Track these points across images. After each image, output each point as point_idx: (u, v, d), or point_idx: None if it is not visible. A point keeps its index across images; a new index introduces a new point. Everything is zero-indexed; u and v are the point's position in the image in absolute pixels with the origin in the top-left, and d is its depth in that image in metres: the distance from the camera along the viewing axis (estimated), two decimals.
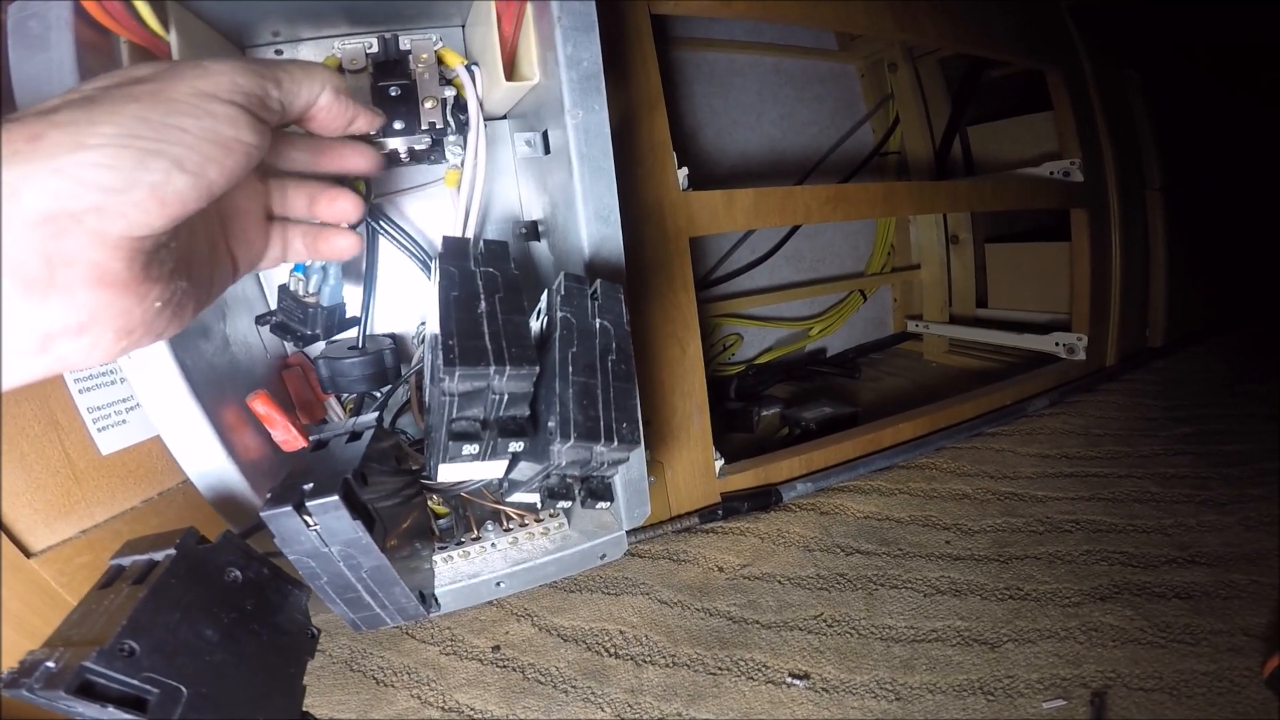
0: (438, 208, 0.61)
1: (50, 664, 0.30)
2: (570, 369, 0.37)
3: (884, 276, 1.46)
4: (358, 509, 0.36)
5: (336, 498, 0.34)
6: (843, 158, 1.37)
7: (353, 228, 0.43)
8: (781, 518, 0.84)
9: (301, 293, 0.51)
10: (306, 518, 0.35)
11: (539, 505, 0.52)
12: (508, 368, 0.33)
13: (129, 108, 0.25)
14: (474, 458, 0.38)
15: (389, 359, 0.55)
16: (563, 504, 0.39)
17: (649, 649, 0.64)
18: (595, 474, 0.40)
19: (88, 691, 0.30)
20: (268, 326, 0.53)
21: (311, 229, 0.41)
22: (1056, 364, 1.18)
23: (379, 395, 0.56)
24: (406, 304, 0.61)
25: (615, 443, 0.36)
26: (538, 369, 0.35)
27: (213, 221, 0.34)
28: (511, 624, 0.68)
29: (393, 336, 0.60)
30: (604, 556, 0.56)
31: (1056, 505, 0.81)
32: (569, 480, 0.40)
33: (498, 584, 0.53)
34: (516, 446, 0.37)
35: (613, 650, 0.65)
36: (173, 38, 0.40)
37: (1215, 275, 1.37)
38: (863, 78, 1.42)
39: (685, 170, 0.77)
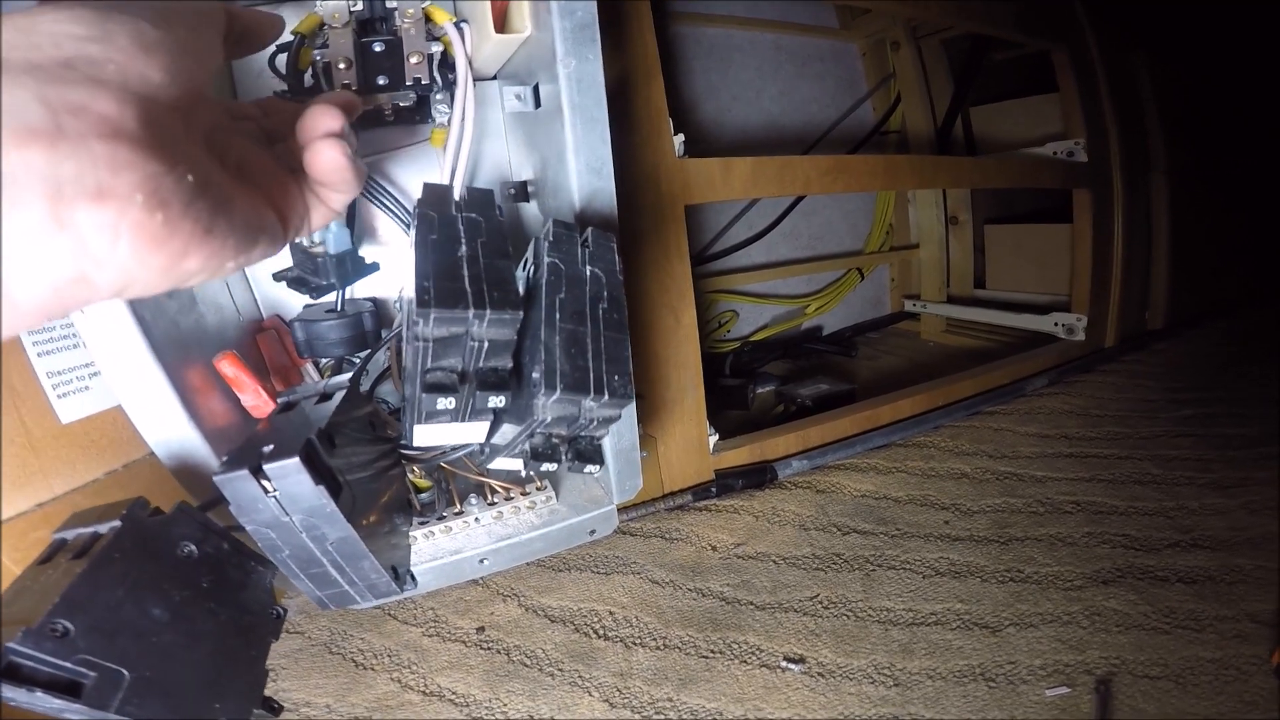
0: (423, 169, 0.57)
1: None
2: (557, 316, 0.33)
3: (882, 255, 1.42)
4: (321, 473, 0.32)
5: (297, 459, 0.31)
6: (843, 135, 1.33)
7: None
8: (777, 495, 0.81)
9: (306, 244, 0.49)
10: (265, 482, 0.31)
11: (523, 473, 0.49)
12: (488, 312, 0.30)
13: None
14: (451, 414, 0.35)
15: (368, 322, 0.52)
16: (547, 466, 0.36)
17: (639, 630, 0.61)
18: (584, 433, 0.36)
19: (13, 674, 0.27)
20: (285, 283, 0.51)
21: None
22: (1056, 344, 1.15)
23: (358, 360, 0.53)
24: (389, 268, 0.57)
25: (606, 396, 0.33)
26: (521, 314, 0.32)
27: (240, 160, 0.30)
28: (497, 604, 0.65)
29: (373, 300, 0.56)
30: (593, 532, 0.53)
31: (1056, 486, 0.78)
32: (554, 440, 0.36)
33: (481, 561, 0.49)
34: (497, 401, 0.34)
35: (602, 632, 0.62)
36: None
37: (1218, 258, 1.34)
38: (864, 56, 1.37)
39: (681, 137, 0.73)
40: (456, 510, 0.51)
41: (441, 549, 0.49)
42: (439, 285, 0.30)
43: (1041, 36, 1.10)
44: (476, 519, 0.51)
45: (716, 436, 0.82)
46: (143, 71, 0.23)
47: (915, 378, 1.04)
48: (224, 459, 0.32)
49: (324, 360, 0.54)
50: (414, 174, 0.57)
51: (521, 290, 0.39)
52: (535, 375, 0.32)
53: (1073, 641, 0.56)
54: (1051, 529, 0.70)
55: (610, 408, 0.33)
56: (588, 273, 0.36)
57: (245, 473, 0.31)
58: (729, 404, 1.08)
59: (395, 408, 0.53)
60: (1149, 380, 1.05)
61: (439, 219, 0.35)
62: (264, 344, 0.53)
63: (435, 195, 0.37)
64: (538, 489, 0.53)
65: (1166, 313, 1.24)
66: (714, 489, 0.81)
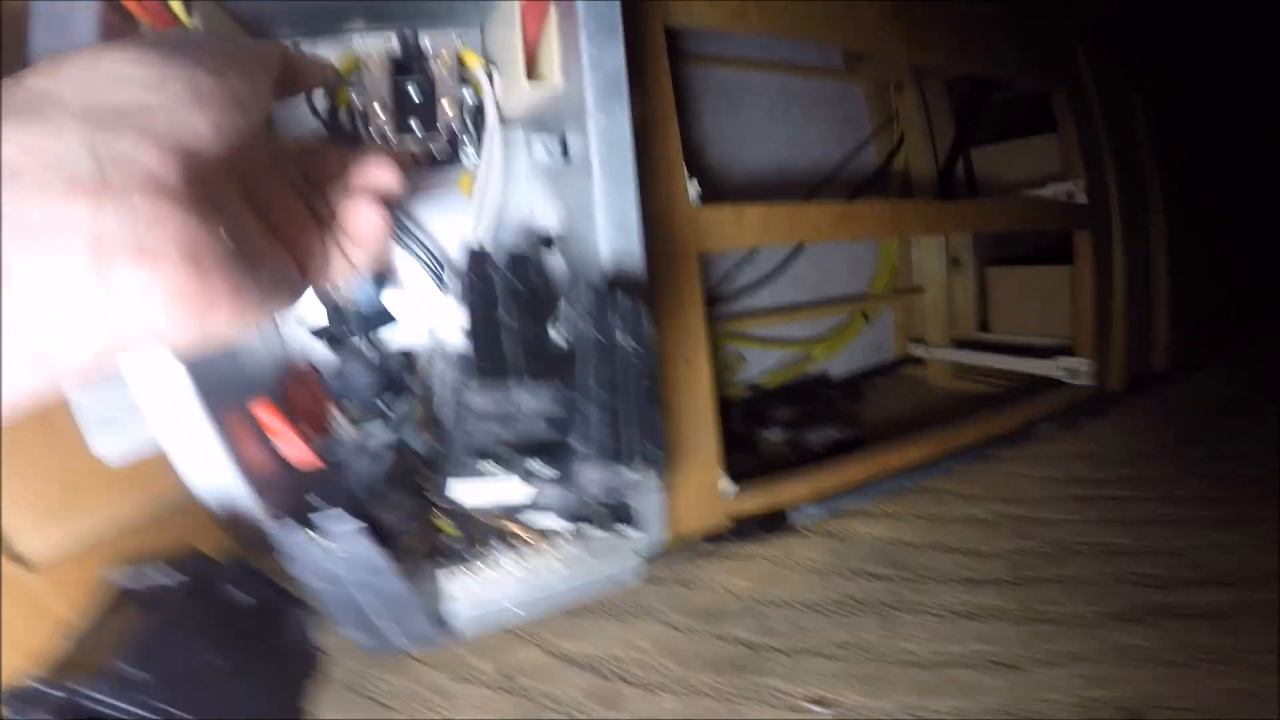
0: (450, 212, 0.61)
1: (52, 691, 0.30)
2: (593, 385, 0.37)
3: (886, 298, 1.48)
4: (375, 532, 0.36)
5: (352, 518, 0.35)
6: (849, 177, 1.40)
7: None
8: (791, 542, 0.85)
9: (340, 301, 0.53)
10: (322, 539, 0.35)
11: (554, 527, 0.53)
12: (531, 384, 0.34)
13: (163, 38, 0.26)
14: (493, 475, 0.38)
15: (398, 370, 0.56)
16: (584, 526, 0.40)
17: (663, 675, 0.65)
18: (618, 495, 0.40)
19: None
20: (323, 340, 0.55)
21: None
22: (1062, 388, 1.20)
23: (383, 405, 0.57)
24: (417, 312, 0.61)
25: (641, 462, 0.36)
26: (561, 385, 0.36)
27: (274, 209, 0.32)
28: (519, 649, 0.68)
29: (405, 351, 0.60)
30: (619, 582, 0.57)
31: (1069, 528, 0.83)
32: (591, 502, 0.40)
33: (510, 609, 0.53)
34: (537, 465, 0.37)
35: (625, 677, 0.65)
36: (195, 24, 0.41)
37: (1219, 297, 1.41)
38: (868, 98, 1.46)
39: (696, 183, 0.78)
40: (483, 557, 0.54)
41: (474, 596, 0.53)
42: (487, 357, 0.34)
43: (1042, 79, 1.17)
44: (504, 566, 0.54)
45: (731, 484, 0.86)
46: (193, 123, 0.24)
47: (923, 423, 1.08)
48: (279, 514, 0.36)
49: (350, 404, 0.58)
50: (440, 216, 0.61)
51: (554, 339, 0.43)
52: (574, 443, 0.35)
53: (1098, 678, 0.60)
54: (1067, 570, 0.75)
55: (644, 473, 0.37)
56: (620, 342, 0.40)
57: (304, 530, 0.35)
58: (736, 449, 1.12)
59: (423, 454, 0.57)
60: (1156, 422, 1.11)
61: (483, 287, 0.38)
62: (294, 387, 0.57)
63: (479, 261, 0.40)
64: (565, 539, 0.57)
65: (1171, 353, 1.31)
66: (729, 535, 0.85)
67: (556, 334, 0.43)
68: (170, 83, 0.24)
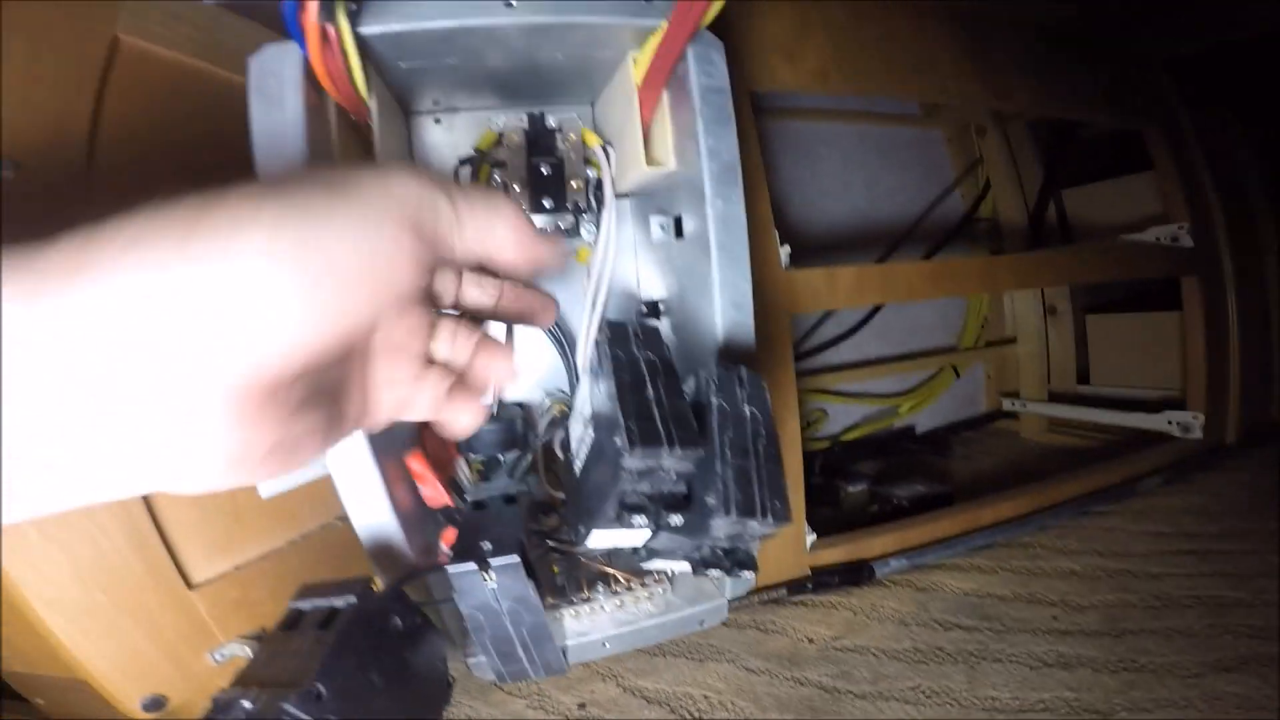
0: (566, 281, 0.68)
1: (246, 703, 0.36)
2: (728, 452, 0.43)
3: (977, 351, 1.50)
4: (530, 569, 0.44)
5: (517, 558, 0.43)
6: (933, 225, 1.45)
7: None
8: (875, 593, 0.88)
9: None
10: (487, 574, 0.43)
11: (677, 570, 0.59)
12: (678, 449, 0.40)
13: (286, 213, 0.24)
14: (639, 527, 0.44)
15: (519, 426, 0.64)
16: (714, 573, 0.45)
17: (736, 715, 0.68)
18: (742, 545, 0.46)
19: None
20: None
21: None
22: (1170, 442, 1.20)
23: (502, 459, 0.63)
24: (533, 374, 0.70)
25: (770, 519, 0.42)
26: (702, 451, 0.42)
27: (358, 354, 0.31)
28: (597, 683, 0.73)
29: (520, 405, 0.68)
30: (703, 623, 0.62)
31: (1173, 581, 0.83)
32: (719, 551, 0.46)
33: (604, 644, 0.60)
34: (677, 520, 0.43)
35: (698, 714, 0.69)
36: (372, 102, 0.52)
37: None
38: (949, 142, 1.51)
39: (787, 248, 0.85)
40: (585, 596, 0.62)
41: (571, 631, 0.60)
42: (641, 426, 0.40)
43: (1131, 117, 1.20)
44: (601, 605, 0.61)
45: (814, 535, 0.90)
46: (272, 352, 0.24)
47: (1015, 479, 1.10)
48: (452, 552, 0.44)
49: (475, 456, 0.64)
50: (557, 285, 0.68)
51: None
52: (712, 501, 0.41)
53: None
54: (1168, 622, 0.75)
55: (771, 526, 0.42)
56: (747, 412, 0.46)
57: (474, 566, 0.43)
58: (818, 502, 1.15)
59: (541, 502, 0.64)
60: (1271, 475, 1.09)
61: (626, 359, 0.45)
62: (427, 438, 0.64)
63: (619, 334, 0.47)
64: (655, 580, 0.63)
65: None
66: (809, 584, 0.88)
67: (687, 401, 0.50)
68: (289, 262, 0.24)
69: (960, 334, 1.50)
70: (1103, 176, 1.39)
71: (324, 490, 0.63)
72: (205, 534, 0.61)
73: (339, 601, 0.43)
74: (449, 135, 0.66)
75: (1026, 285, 1.39)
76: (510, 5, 0.49)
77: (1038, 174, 1.44)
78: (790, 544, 0.88)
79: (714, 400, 0.45)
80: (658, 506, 0.43)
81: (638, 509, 0.42)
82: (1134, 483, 1.10)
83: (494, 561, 0.42)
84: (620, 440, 0.39)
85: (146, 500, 0.57)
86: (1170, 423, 1.21)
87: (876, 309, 1.36)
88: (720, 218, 0.54)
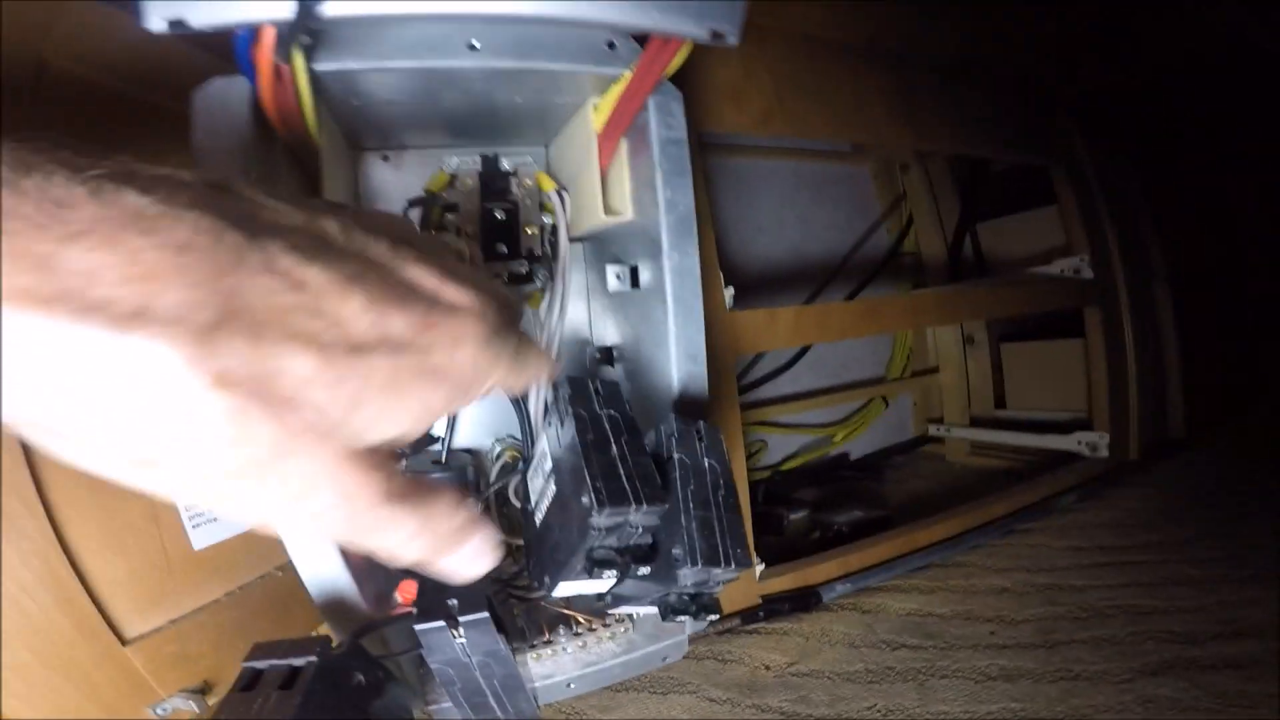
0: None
1: None
2: (691, 504, 0.45)
3: (904, 382, 1.58)
4: (499, 622, 0.45)
5: (486, 614, 0.43)
6: (863, 259, 1.52)
7: None
8: (824, 617, 0.91)
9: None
10: (455, 631, 0.44)
11: (644, 614, 0.61)
12: (644, 506, 0.42)
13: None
14: (608, 579, 0.46)
15: (470, 474, 0.64)
16: (681, 618, 0.47)
17: None
18: (707, 591, 0.48)
19: None
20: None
21: None
22: (1082, 461, 1.28)
23: None
24: (480, 420, 0.68)
25: (733, 566, 0.44)
26: (667, 506, 0.44)
27: None
28: None
29: (470, 452, 0.68)
30: (665, 659, 0.63)
31: (1096, 593, 0.89)
32: (685, 597, 0.48)
33: (569, 685, 0.60)
34: (644, 571, 0.45)
35: None
36: (323, 139, 0.50)
37: (1231, 359, 1.51)
38: (875, 178, 1.59)
39: (731, 290, 0.88)
40: (545, 639, 0.62)
41: (535, 674, 0.60)
42: (609, 486, 0.42)
43: (1039, 156, 1.30)
44: (564, 648, 0.61)
45: (762, 565, 0.93)
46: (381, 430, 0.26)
47: (946, 500, 1.16)
48: (414, 608, 0.44)
49: None
50: None
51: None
52: (677, 552, 0.44)
53: None
54: (1095, 631, 0.81)
55: (734, 573, 0.45)
56: (706, 464, 0.48)
57: (443, 623, 0.43)
58: (763, 530, 1.19)
59: None
60: (1175, 487, 1.18)
61: (590, 418, 0.46)
62: None
63: (579, 390, 0.48)
64: (616, 620, 0.64)
65: (1186, 419, 1.39)
66: (761, 613, 0.91)
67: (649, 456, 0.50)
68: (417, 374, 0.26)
69: (888, 365, 1.58)
70: (1013, 210, 1.49)
71: (259, 540, 0.65)
72: (135, 589, 0.59)
73: (298, 661, 0.43)
74: (397, 174, 0.65)
75: (950, 320, 1.47)
76: (474, 48, 0.48)
77: (957, 207, 1.53)
78: (742, 575, 0.90)
79: (675, 455, 0.47)
80: (625, 559, 0.45)
81: (606, 563, 0.44)
82: (1052, 500, 1.18)
83: (462, 619, 0.43)
84: (588, 499, 0.41)
85: (70, 557, 0.56)
86: (1080, 443, 1.29)
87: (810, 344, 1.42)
88: (676, 270, 0.55)
